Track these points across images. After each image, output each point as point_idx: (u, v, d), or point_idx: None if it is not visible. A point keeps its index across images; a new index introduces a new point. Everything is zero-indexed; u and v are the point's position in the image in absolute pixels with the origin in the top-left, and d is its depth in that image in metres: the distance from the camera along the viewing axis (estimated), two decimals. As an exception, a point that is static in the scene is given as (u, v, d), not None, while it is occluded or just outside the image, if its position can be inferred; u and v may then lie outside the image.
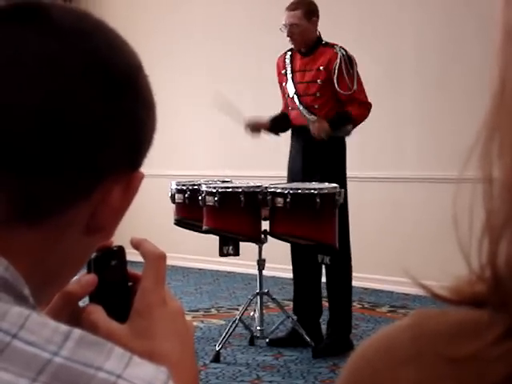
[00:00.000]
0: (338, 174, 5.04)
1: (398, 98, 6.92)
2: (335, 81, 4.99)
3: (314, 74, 5.08)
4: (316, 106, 5.10)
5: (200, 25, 8.36)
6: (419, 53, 6.84)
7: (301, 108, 5.12)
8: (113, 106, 0.71)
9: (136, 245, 0.86)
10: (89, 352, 0.59)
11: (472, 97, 6.12)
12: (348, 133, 5.11)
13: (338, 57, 5.01)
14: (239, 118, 5.28)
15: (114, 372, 0.59)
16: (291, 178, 5.20)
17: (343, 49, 5.08)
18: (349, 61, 5.03)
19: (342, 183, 4.98)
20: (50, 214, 0.70)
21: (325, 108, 5.08)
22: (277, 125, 5.33)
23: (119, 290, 0.85)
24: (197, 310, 6.24)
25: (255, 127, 5.31)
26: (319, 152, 5.06)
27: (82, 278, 0.83)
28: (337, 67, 4.99)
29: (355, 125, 5.08)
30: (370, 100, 5.11)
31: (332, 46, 5.11)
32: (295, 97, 5.16)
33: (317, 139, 4.96)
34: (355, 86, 5.00)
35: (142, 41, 9.30)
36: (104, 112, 0.71)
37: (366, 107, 5.07)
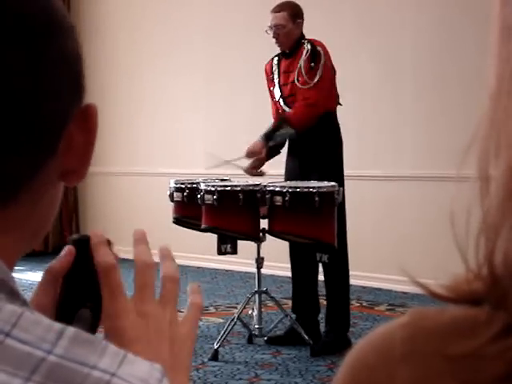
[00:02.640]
0: (335, 173, 5.03)
1: (396, 96, 6.91)
2: (295, 74, 4.98)
3: (296, 74, 5.06)
4: None
5: (200, 25, 8.35)
6: (417, 52, 6.83)
7: (288, 110, 5.10)
8: (41, 54, 0.66)
9: (133, 243, 0.86)
10: (83, 350, 0.58)
11: (469, 96, 6.12)
12: (287, 136, 5.02)
13: (304, 51, 4.99)
14: (236, 166, 5.24)
15: (108, 370, 0.58)
16: (287, 178, 5.18)
17: (311, 43, 5.03)
18: (313, 55, 4.99)
19: (340, 182, 4.97)
20: (21, 185, 0.67)
21: None
22: (275, 149, 5.28)
23: (88, 274, 0.85)
24: (195, 309, 6.24)
25: (254, 168, 5.27)
26: (315, 152, 5.03)
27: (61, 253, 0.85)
28: (302, 62, 4.98)
29: (296, 127, 4.96)
30: (331, 105, 5.01)
31: (304, 41, 5.07)
32: (281, 100, 5.16)
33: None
34: (315, 80, 4.94)
35: (142, 41, 9.31)
36: (36, 63, 0.65)
37: (310, 108, 4.94)
